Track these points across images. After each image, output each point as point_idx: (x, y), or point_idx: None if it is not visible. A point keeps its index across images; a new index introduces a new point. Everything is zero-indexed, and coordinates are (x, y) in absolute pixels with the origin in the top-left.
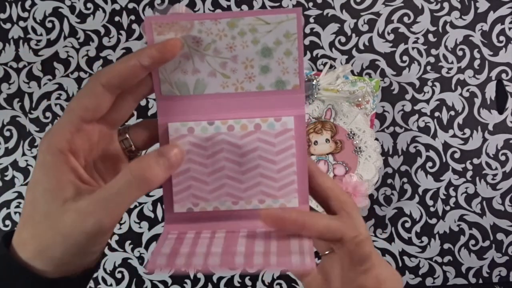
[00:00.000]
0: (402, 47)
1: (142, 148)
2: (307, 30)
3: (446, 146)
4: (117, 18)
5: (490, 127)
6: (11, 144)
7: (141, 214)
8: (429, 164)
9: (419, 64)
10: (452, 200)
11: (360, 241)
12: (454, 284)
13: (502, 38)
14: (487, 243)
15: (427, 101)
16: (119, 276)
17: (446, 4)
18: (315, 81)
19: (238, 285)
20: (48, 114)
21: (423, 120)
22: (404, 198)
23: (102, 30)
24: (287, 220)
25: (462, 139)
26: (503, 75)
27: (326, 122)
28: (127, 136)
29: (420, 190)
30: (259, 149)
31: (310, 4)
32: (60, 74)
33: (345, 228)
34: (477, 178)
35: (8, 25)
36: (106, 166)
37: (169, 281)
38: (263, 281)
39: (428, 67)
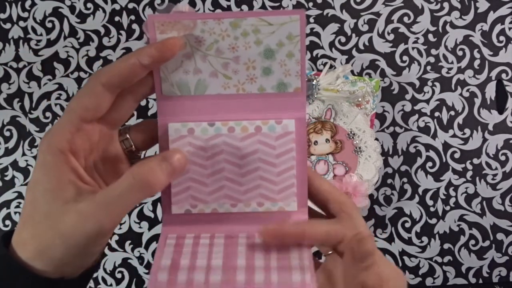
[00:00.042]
0: (402, 47)
1: (142, 148)
2: (307, 30)
3: (446, 146)
4: (117, 18)
5: (490, 127)
6: (11, 144)
7: (141, 214)
8: (429, 164)
9: (419, 64)
10: (452, 200)
11: (361, 238)
12: (454, 284)
13: (502, 38)
14: (487, 243)
15: (427, 101)
16: (119, 276)
17: (446, 4)
18: (315, 81)
19: None
20: (48, 114)
21: (423, 120)
22: (404, 198)
23: (102, 30)
24: (287, 233)
25: (462, 139)
26: (503, 75)
27: (326, 122)
28: (128, 136)
29: (420, 190)
30: (259, 151)
31: (310, 4)
32: (60, 74)
33: (345, 230)
34: (477, 178)
35: (8, 25)
36: (106, 166)
37: None
38: None
39: (428, 67)
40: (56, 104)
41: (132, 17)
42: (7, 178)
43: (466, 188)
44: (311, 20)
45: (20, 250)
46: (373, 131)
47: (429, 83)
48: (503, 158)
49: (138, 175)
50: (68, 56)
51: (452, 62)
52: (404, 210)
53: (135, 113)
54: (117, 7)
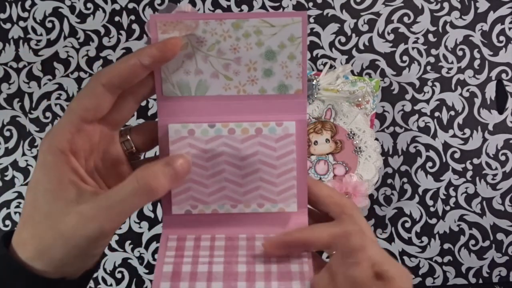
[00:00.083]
0: (402, 47)
1: (143, 150)
2: (307, 30)
3: (446, 146)
4: (117, 18)
5: (490, 127)
6: (11, 144)
7: (141, 214)
8: (429, 164)
9: (419, 64)
10: (452, 200)
11: (348, 233)
12: (454, 284)
13: (502, 38)
14: (487, 243)
15: (427, 101)
16: (119, 276)
17: (446, 4)
18: (315, 81)
19: None
20: (48, 114)
21: (423, 120)
22: (404, 198)
23: (102, 30)
24: (290, 243)
25: (462, 139)
26: (503, 75)
27: (326, 122)
28: (128, 137)
29: (420, 190)
30: (260, 153)
31: (310, 4)
32: (60, 74)
33: (349, 230)
34: (477, 178)
35: (8, 25)
36: (106, 167)
37: None
38: None
39: (428, 67)
40: (56, 104)
41: (132, 17)
42: (7, 178)
43: (466, 188)
44: (311, 20)
45: (20, 250)
46: (373, 131)
47: (429, 83)
48: (503, 158)
49: (142, 179)
50: (68, 56)
51: (452, 62)
52: (404, 210)
53: (135, 113)
54: (117, 7)
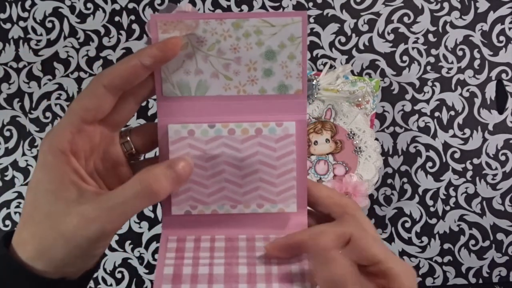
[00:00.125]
0: (402, 47)
1: (143, 151)
2: (307, 30)
3: (446, 146)
4: (117, 18)
5: (490, 127)
6: (11, 144)
7: (141, 214)
8: (429, 164)
9: (419, 64)
10: (452, 200)
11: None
12: (454, 284)
13: (502, 38)
14: (487, 243)
15: (427, 101)
16: (119, 276)
17: (446, 4)
18: (315, 81)
19: None
20: (48, 114)
21: (423, 120)
22: (404, 198)
23: (102, 30)
24: (293, 245)
25: (462, 139)
26: (503, 75)
27: (326, 122)
28: (128, 139)
29: (420, 190)
30: (260, 153)
31: (310, 4)
32: (60, 74)
33: (350, 230)
34: (477, 178)
35: (8, 25)
36: (106, 168)
37: None
38: None
39: (428, 67)
40: (56, 104)
41: (132, 17)
42: (7, 178)
43: (466, 188)
44: (311, 20)
45: (21, 250)
46: (373, 131)
47: (429, 83)
48: (503, 158)
49: (144, 182)
50: (68, 56)
51: (452, 62)
52: (404, 210)
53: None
54: (117, 7)
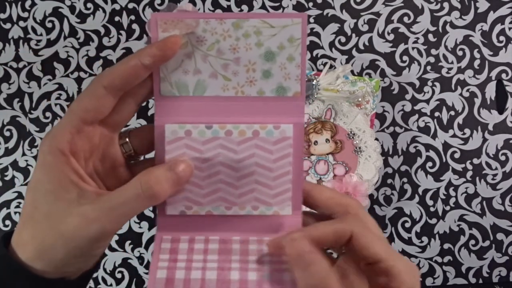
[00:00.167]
0: (402, 47)
1: (142, 153)
2: (307, 30)
3: (446, 146)
4: (117, 18)
5: (490, 127)
6: (11, 144)
7: (141, 214)
8: (429, 164)
9: (419, 64)
10: (452, 200)
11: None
12: (454, 284)
13: (502, 38)
14: (487, 243)
15: (427, 101)
16: (119, 276)
17: (446, 4)
18: (315, 81)
19: None
20: (48, 114)
21: (423, 120)
22: (404, 198)
23: (102, 30)
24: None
25: (462, 139)
26: (503, 75)
27: (326, 122)
28: (127, 140)
29: (420, 190)
30: (256, 155)
31: (310, 4)
32: (60, 74)
33: (352, 227)
34: (477, 178)
35: (8, 25)
36: (105, 169)
37: None
38: None
39: (428, 67)
40: (56, 104)
41: (132, 17)
42: (7, 178)
43: (466, 188)
44: (311, 20)
45: (20, 250)
46: (373, 131)
47: (429, 83)
48: (503, 158)
49: (145, 183)
50: (68, 56)
51: (452, 62)
52: (404, 210)
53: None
54: (117, 7)
